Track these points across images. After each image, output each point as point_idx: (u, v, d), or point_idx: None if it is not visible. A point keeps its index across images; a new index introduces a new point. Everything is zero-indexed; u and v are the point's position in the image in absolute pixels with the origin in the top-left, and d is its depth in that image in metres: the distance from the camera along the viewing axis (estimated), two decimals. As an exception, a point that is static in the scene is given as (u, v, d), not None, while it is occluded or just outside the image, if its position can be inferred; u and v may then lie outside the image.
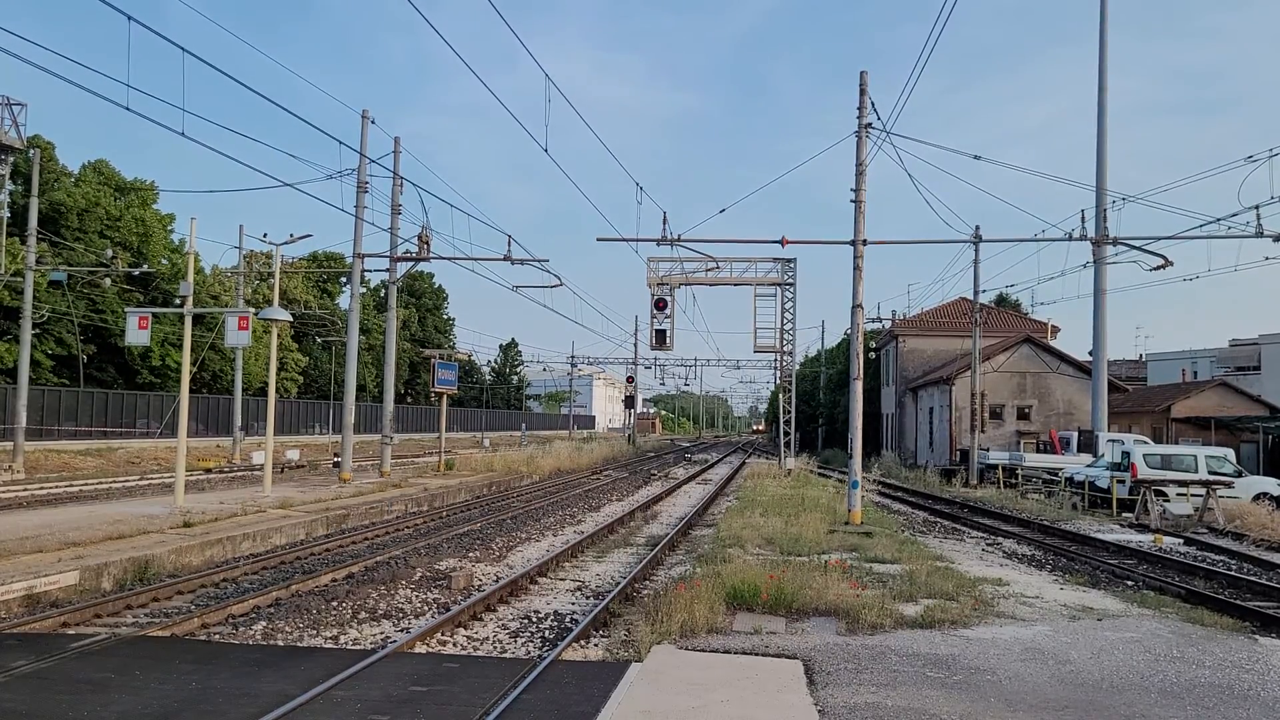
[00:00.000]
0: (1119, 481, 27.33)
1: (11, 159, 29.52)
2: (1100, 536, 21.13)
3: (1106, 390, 35.69)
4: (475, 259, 30.39)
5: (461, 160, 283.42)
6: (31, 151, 33.58)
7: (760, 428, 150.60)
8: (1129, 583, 15.13)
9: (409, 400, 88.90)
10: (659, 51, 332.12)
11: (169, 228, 58.47)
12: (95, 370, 52.45)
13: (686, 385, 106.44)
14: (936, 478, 39.89)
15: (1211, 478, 25.39)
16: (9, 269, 31.49)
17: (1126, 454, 28.06)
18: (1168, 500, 25.25)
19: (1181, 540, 20.98)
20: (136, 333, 20.94)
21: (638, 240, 25.20)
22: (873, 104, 20.47)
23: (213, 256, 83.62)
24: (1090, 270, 33.06)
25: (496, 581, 13.92)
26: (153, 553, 14.30)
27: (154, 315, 22.25)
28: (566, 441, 63.33)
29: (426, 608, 12.28)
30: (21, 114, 28.57)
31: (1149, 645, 10.04)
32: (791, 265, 34.64)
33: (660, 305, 28.95)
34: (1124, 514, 25.94)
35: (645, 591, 13.44)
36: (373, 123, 29.57)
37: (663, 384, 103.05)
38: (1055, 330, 54.82)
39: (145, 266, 47.99)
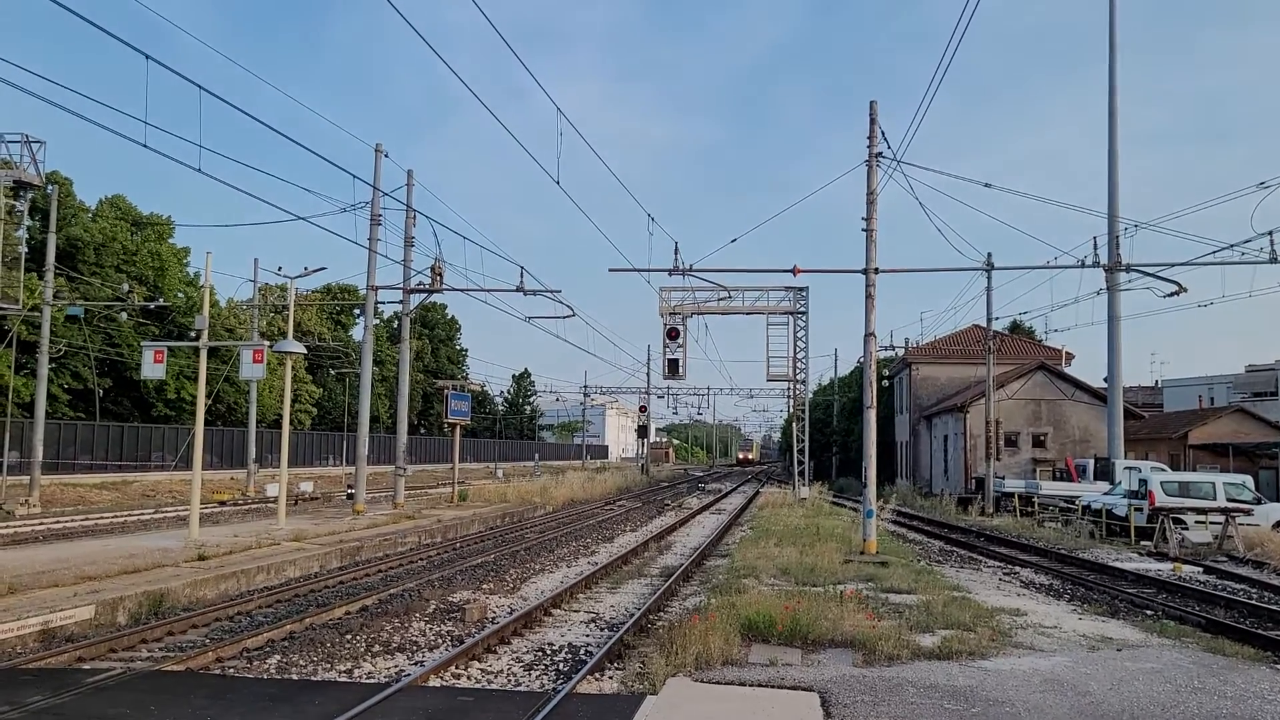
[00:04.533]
0: (1136, 509, 27.10)
1: (30, 195, 29.85)
2: (1118, 565, 20.94)
3: (1122, 417, 35.49)
4: (488, 290, 30.55)
5: (473, 191, 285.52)
6: (50, 188, 34.00)
7: (745, 456, 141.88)
8: (1148, 612, 14.98)
9: (422, 431, 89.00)
10: (668, 81, 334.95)
11: (185, 261, 58.94)
12: (111, 404, 52.72)
13: (700, 414, 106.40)
14: (952, 506, 39.65)
15: (1230, 505, 25.17)
16: (27, 304, 31.76)
17: (1144, 481, 27.84)
18: (1186, 528, 25.01)
19: (1201, 568, 20.77)
20: (152, 366, 21.08)
21: (650, 270, 25.31)
22: (883, 133, 20.57)
23: (228, 290, 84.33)
24: (1104, 297, 32.98)
25: (510, 613, 13.88)
26: (168, 586, 14.32)
27: (169, 349, 22.41)
28: (580, 471, 63.26)
29: (440, 640, 12.25)
30: (40, 151, 28.88)
31: (1170, 676, 9.93)
32: (803, 294, 34.70)
33: (672, 335, 29.01)
34: (1142, 542, 25.71)
35: (660, 623, 13.37)
36: (386, 156, 29.86)
37: (676, 413, 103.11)
38: (1070, 357, 54.61)
39: (161, 300, 48.35)
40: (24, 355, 39.31)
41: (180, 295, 56.17)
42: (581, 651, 11.75)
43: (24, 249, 30.64)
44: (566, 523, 31.24)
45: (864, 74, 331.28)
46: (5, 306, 28.30)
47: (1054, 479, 41.11)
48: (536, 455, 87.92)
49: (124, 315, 47.21)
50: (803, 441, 41.42)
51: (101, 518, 28.92)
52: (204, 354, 21.24)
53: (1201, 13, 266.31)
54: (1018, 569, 21.12)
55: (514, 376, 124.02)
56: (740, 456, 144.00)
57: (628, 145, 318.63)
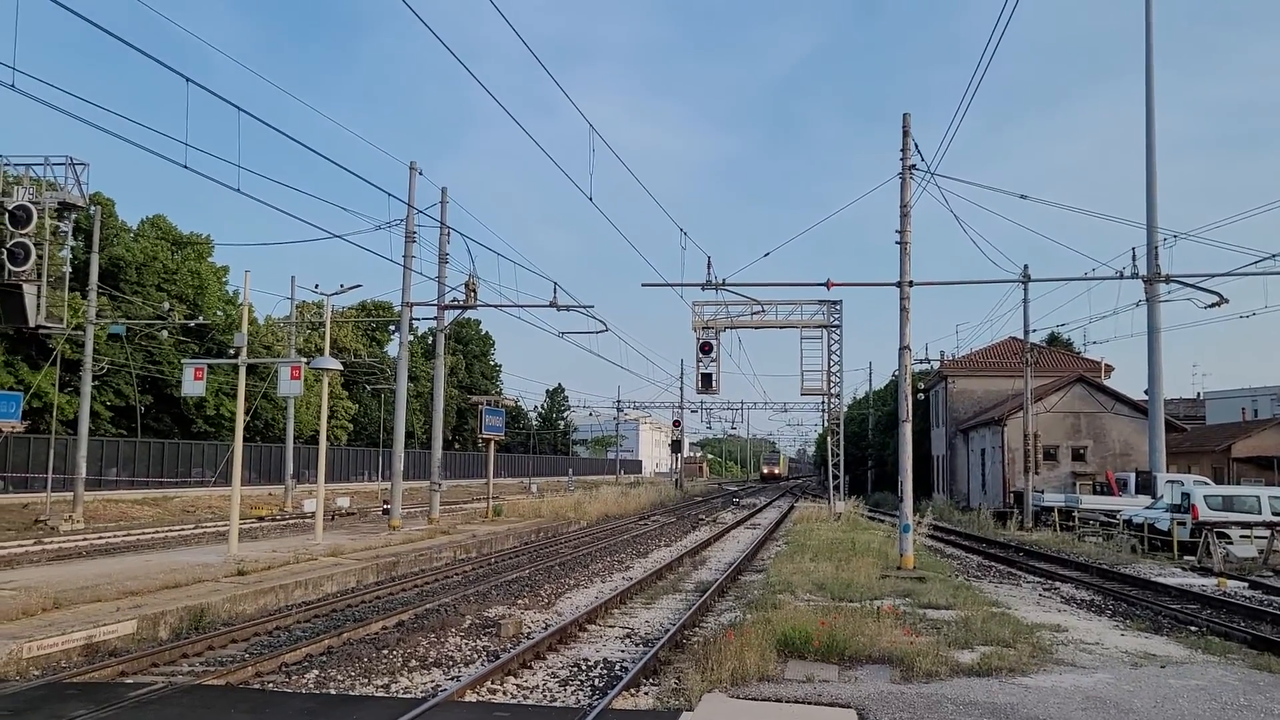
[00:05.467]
0: (1179, 524, 26.70)
1: (74, 216, 30.37)
2: (1161, 580, 20.62)
3: (1164, 430, 35.02)
4: (521, 306, 30.69)
5: (505, 206, 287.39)
6: (93, 209, 34.65)
7: (771, 471, 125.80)
8: (1193, 628, 14.73)
9: (457, 446, 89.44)
10: (697, 96, 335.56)
11: (224, 280, 59.75)
12: (152, 420, 53.48)
13: (733, 429, 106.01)
14: (990, 520, 39.23)
15: (1276, 519, 24.72)
16: (71, 323, 32.32)
17: (1186, 495, 27.43)
18: (1230, 542, 24.59)
19: (1246, 584, 20.39)
20: (192, 384, 21.36)
21: (682, 285, 25.31)
22: (916, 145, 20.49)
23: (266, 307, 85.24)
24: (1143, 309, 32.59)
25: (546, 629, 13.89)
26: (208, 601, 14.48)
27: (209, 366, 22.73)
28: (613, 486, 63.27)
29: (476, 655, 12.28)
30: (84, 173, 29.37)
31: (1215, 693, 9.75)
32: (837, 307, 34.52)
33: (706, 349, 28.95)
34: (1185, 557, 25.31)
35: (695, 638, 13.32)
36: (420, 174, 30.13)
37: (709, 427, 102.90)
38: (1109, 369, 53.91)
39: (201, 318, 49.07)
40: (68, 373, 39.98)
41: (219, 313, 56.95)
42: (617, 667, 11.74)
43: (68, 269, 31.21)
44: (601, 538, 31.23)
45: (895, 86, 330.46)
46: (50, 325, 28.77)
47: (1094, 493, 40.57)
48: (570, 470, 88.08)
49: (165, 333, 47.91)
50: (838, 455, 41.15)
51: (143, 533, 29.32)
52: (243, 371, 21.50)
53: (1239, 18, 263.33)
54: (1058, 584, 20.86)
55: (547, 392, 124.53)
56: (765, 471, 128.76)
57: (657, 159, 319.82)
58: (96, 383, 40.47)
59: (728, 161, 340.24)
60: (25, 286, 27.02)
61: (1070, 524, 34.03)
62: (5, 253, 27.26)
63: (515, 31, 14.07)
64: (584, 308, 31.07)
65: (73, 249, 31.62)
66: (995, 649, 11.59)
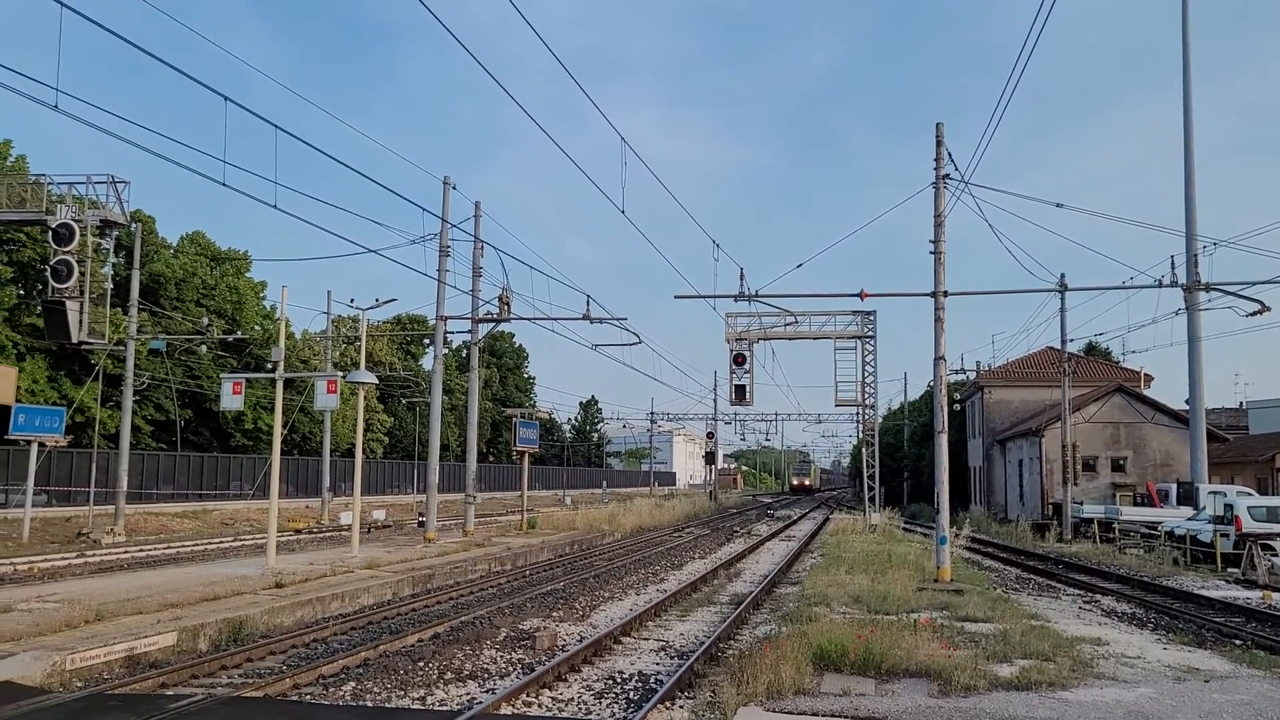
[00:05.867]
0: (1222, 535, 26.27)
1: (116, 233, 30.95)
2: (1204, 593, 20.28)
3: (1205, 440, 34.46)
4: (555, 318, 30.83)
5: (538, 219, 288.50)
6: (133, 226, 35.23)
7: (802, 482, 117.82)
8: (1237, 642, 14.48)
9: (491, 459, 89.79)
10: (726, 107, 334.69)
11: (261, 295, 60.45)
12: (191, 434, 54.15)
13: (767, 440, 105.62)
14: (1028, 532, 38.77)
15: (1323, 530, 24.25)
16: (112, 339, 32.86)
17: (1230, 506, 26.98)
18: (1276, 554, 24.16)
19: (1293, 597, 20.01)
20: (231, 398, 21.65)
21: (715, 297, 25.31)
22: (949, 155, 20.39)
23: (302, 321, 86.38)
24: (1183, 317, 32.10)
25: (580, 641, 13.90)
26: (246, 613, 14.63)
27: (247, 380, 23.00)
28: (647, 498, 63.21)
29: (511, 668, 12.31)
30: (125, 191, 29.93)
31: (1260, 708, 9.57)
32: (871, 318, 34.40)
33: (739, 360, 28.93)
34: (1229, 569, 24.88)
35: (730, 651, 13.28)
36: (454, 188, 30.38)
37: (743, 439, 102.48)
38: (1149, 379, 53.17)
39: (239, 333, 49.66)
40: (109, 388, 40.62)
41: (257, 328, 57.61)
42: (652, 680, 11.72)
43: (109, 285, 31.76)
44: (635, 550, 31.22)
45: (928, 94, 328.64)
46: (92, 341, 29.30)
47: (1134, 504, 39.99)
48: (604, 482, 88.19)
49: (204, 348, 48.54)
50: (873, 467, 40.88)
51: (183, 546, 29.68)
52: (280, 385, 21.75)
53: (1277, 21, 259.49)
54: (1098, 597, 20.58)
55: (581, 404, 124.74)
56: (795, 483, 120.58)
57: (688, 170, 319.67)
58: (137, 397, 41.07)
59: (759, 172, 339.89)
60: (68, 303, 27.54)
61: (1110, 536, 33.57)
62: (49, 270, 27.83)
63: (547, 46, 14.21)
64: (617, 320, 31.19)
65: (114, 265, 32.25)
66: (1035, 662, 11.44)
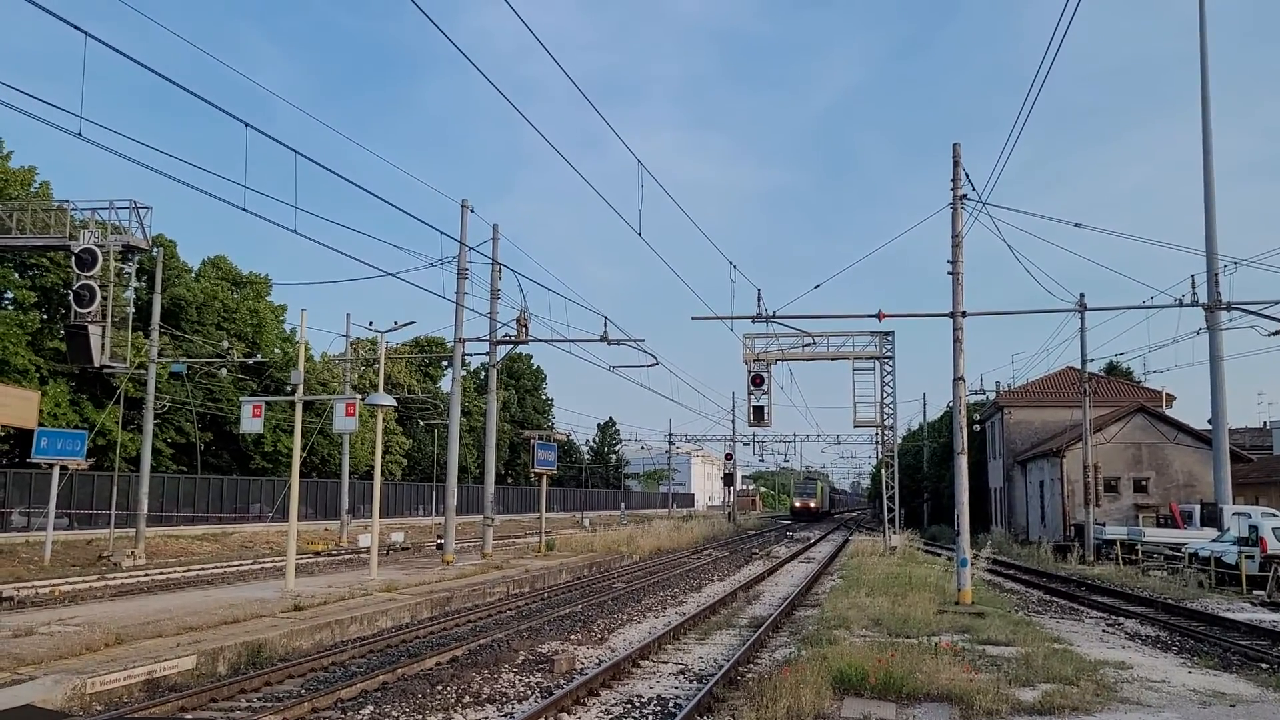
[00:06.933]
0: (1248, 557, 25.95)
1: (137, 258, 31.24)
2: (1230, 616, 20.03)
3: (1229, 460, 34.14)
4: (572, 340, 30.88)
5: (555, 242, 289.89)
6: (155, 251, 35.58)
7: (805, 504, 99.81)
8: (1263, 665, 14.28)
9: (509, 481, 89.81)
10: (743, 128, 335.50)
11: (281, 318, 60.85)
12: (211, 457, 54.45)
13: (786, 461, 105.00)
14: (1050, 554, 38.43)
15: (1350, 552, 23.92)
16: (134, 362, 33.14)
17: (1254, 528, 26.68)
18: (1303, 576, 23.84)
19: (1321, 619, 19.74)
20: (250, 421, 21.77)
21: (733, 318, 25.31)
22: (967, 175, 20.37)
23: (321, 344, 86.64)
24: (1204, 337, 31.90)
25: (599, 664, 13.85)
26: (265, 636, 14.65)
27: (267, 403, 23.14)
28: (666, 520, 63.05)
29: (529, 691, 12.27)
30: (147, 216, 30.23)
31: (1290, 734, 9.43)
32: (889, 338, 34.29)
33: (757, 381, 28.90)
34: (1255, 592, 24.57)
35: (749, 675, 13.19)
36: (472, 211, 30.56)
37: (762, 460, 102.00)
38: (1170, 399, 52.67)
39: (259, 356, 49.95)
40: (131, 411, 40.93)
41: (277, 351, 57.98)
42: (670, 704, 11.65)
43: (131, 309, 32.04)
44: (653, 572, 31.10)
45: (945, 115, 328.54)
46: (114, 365, 29.53)
47: (1157, 525, 39.57)
48: (622, 504, 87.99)
49: (224, 371, 48.81)
50: (892, 488, 40.65)
51: (203, 569, 29.78)
52: (299, 408, 21.85)
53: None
54: (1121, 619, 20.35)
55: (599, 425, 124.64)
56: (798, 505, 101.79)
57: (705, 192, 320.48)
58: (158, 420, 41.35)
59: (776, 193, 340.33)
60: (91, 327, 27.80)
61: (1133, 558, 33.22)
62: (72, 295, 28.12)
63: (564, 72, 14.30)
64: (634, 341, 31.22)
65: (136, 290, 32.45)
66: (1058, 686, 11.32)
